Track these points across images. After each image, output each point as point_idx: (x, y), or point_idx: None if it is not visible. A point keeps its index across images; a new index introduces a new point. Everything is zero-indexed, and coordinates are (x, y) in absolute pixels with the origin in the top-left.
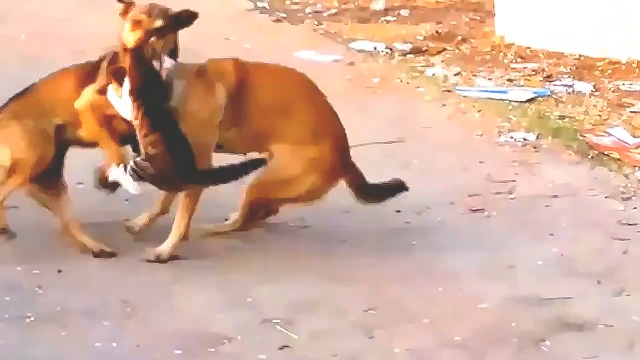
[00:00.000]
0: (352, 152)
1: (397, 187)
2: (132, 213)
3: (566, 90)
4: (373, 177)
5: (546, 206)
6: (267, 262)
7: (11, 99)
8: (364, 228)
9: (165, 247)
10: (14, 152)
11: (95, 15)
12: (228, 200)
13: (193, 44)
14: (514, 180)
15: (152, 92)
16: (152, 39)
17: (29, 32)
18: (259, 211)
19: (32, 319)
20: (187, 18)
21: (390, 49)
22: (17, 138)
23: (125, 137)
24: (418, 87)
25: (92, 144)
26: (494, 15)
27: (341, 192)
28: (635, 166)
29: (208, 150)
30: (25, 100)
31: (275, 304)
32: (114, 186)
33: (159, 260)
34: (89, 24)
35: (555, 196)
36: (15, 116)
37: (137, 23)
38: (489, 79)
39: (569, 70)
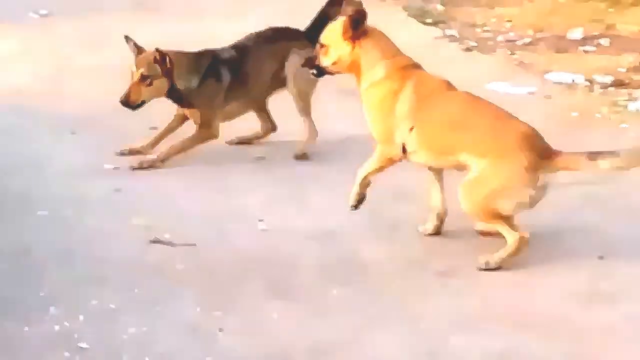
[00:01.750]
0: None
1: None
2: None
3: None
4: (572, 221)
5: None
6: (461, 308)
7: None
8: (566, 273)
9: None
10: None
11: None
12: None
13: None
14: None
15: None
16: None
17: None
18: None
19: None
20: None
21: (590, 81)
22: None
23: None
24: (621, 123)
25: None
26: None
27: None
28: None
29: None
30: None
31: (470, 355)
32: None
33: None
34: None
35: None
36: None
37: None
38: None
39: None
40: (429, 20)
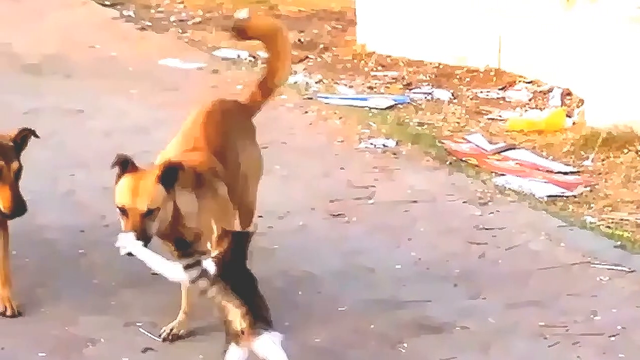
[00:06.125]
0: None
1: None
2: None
3: (425, 97)
4: None
5: (405, 211)
6: None
7: None
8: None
9: None
10: None
11: None
12: None
13: (60, 52)
14: (374, 186)
15: None
16: None
17: None
18: None
19: None
20: None
21: (254, 57)
22: None
23: None
24: (281, 95)
25: None
26: (356, 24)
27: None
28: (492, 172)
29: None
30: None
31: None
32: None
33: None
34: None
35: (414, 201)
36: None
37: None
38: (350, 87)
39: (428, 78)
40: (107, 3)
